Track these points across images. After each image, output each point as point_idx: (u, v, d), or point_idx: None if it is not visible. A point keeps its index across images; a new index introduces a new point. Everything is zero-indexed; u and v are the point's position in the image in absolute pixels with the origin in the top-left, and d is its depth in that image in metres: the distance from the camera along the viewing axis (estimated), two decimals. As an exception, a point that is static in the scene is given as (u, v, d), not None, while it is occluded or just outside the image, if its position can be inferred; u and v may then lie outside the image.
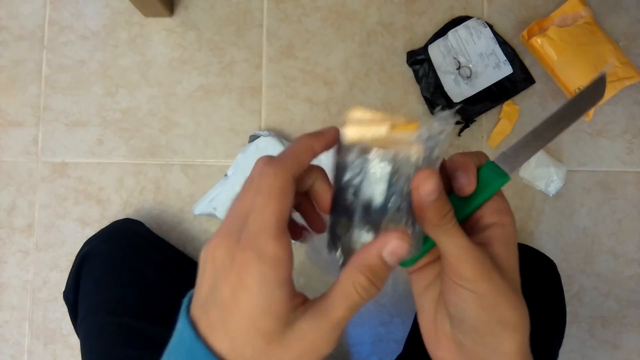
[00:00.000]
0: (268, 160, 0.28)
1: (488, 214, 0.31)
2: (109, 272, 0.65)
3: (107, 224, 0.79)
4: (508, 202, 0.31)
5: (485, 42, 0.89)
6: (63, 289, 0.68)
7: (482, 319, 0.29)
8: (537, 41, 0.86)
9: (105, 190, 0.92)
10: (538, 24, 0.88)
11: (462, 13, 0.92)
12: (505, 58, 0.88)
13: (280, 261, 0.25)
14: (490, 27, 0.89)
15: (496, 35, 0.89)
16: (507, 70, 0.88)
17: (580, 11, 0.87)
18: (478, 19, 0.89)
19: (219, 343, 0.26)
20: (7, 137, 0.94)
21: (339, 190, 0.29)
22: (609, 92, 0.88)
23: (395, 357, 0.65)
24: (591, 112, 0.90)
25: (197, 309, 0.28)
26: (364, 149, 0.27)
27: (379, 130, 0.27)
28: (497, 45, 0.88)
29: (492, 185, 0.30)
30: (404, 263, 0.32)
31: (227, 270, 0.26)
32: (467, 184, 0.30)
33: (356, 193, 0.28)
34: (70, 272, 0.68)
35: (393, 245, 0.26)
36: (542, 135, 0.32)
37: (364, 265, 0.27)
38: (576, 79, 0.86)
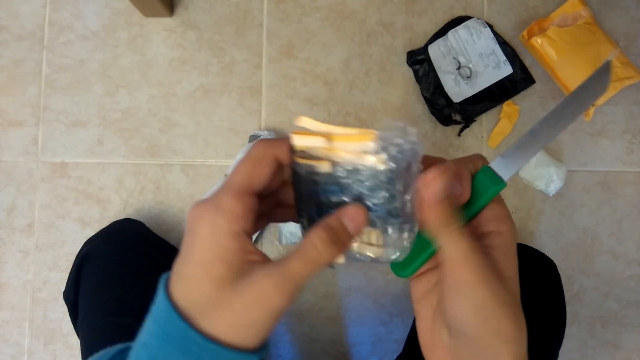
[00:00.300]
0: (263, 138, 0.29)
1: (485, 223, 0.30)
2: (109, 272, 0.65)
3: (107, 224, 0.79)
4: (507, 209, 0.31)
5: (485, 42, 0.88)
6: (63, 289, 0.68)
7: (480, 330, 0.28)
8: (537, 41, 0.86)
9: (105, 190, 0.92)
10: (538, 24, 0.88)
11: (462, 13, 0.92)
12: (505, 58, 0.88)
13: (235, 215, 0.27)
14: (490, 27, 0.89)
15: (496, 35, 0.89)
16: (507, 70, 0.88)
17: (580, 11, 0.87)
18: (478, 19, 0.89)
19: (176, 290, 0.28)
20: (7, 137, 0.94)
21: (295, 192, 0.30)
22: (609, 92, 0.88)
23: (395, 357, 0.65)
24: (591, 111, 0.90)
25: (173, 266, 0.29)
26: (307, 157, 0.28)
27: (320, 141, 0.28)
28: (497, 45, 0.88)
29: (487, 193, 0.30)
30: (402, 274, 0.32)
31: (192, 223, 0.28)
32: (459, 193, 0.29)
33: (305, 196, 0.30)
34: (70, 272, 0.68)
35: (350, 211, 0.28)
36: (542, 135, 0.31)
37: (324, 224, 0.28)
38: (576, 79, 0.86)
